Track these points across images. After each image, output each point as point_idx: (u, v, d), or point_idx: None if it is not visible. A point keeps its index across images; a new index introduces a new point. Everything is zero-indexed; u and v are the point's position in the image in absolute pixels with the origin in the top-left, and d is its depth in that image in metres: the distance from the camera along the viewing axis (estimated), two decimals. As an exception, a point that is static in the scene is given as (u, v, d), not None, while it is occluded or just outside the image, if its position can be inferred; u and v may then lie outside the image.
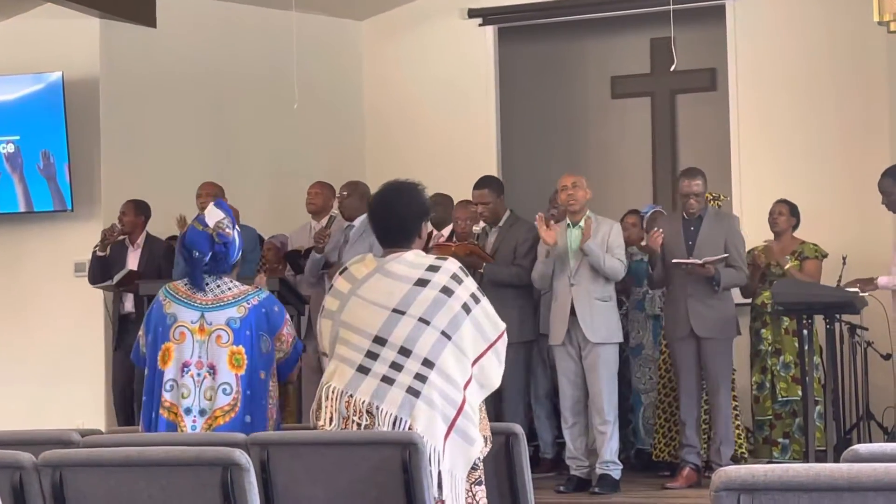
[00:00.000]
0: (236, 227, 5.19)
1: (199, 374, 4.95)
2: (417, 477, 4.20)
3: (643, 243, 8.72)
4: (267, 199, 10.36)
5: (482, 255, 8.18)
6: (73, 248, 9.84)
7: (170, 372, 4.97)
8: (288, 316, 5.20)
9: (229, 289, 5.08)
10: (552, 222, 8.08)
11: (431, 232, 8.96)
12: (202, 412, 4.93)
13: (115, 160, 9.94)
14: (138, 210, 9.33)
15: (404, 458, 4.19)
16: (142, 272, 9.01)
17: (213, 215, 5.13)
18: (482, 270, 8.16)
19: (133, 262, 9.20)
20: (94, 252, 9.22)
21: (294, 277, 8.94)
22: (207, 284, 5.07)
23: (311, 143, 10.95)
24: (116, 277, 9.04)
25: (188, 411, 4.92)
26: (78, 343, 9.77)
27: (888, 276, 8.02)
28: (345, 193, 8.79)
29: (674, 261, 7.95)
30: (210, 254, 5.05)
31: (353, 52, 11.51)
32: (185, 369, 4.95)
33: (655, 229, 8.13)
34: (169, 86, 10.25)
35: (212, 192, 8.95)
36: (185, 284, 5.11)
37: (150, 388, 5.03)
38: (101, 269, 9.21)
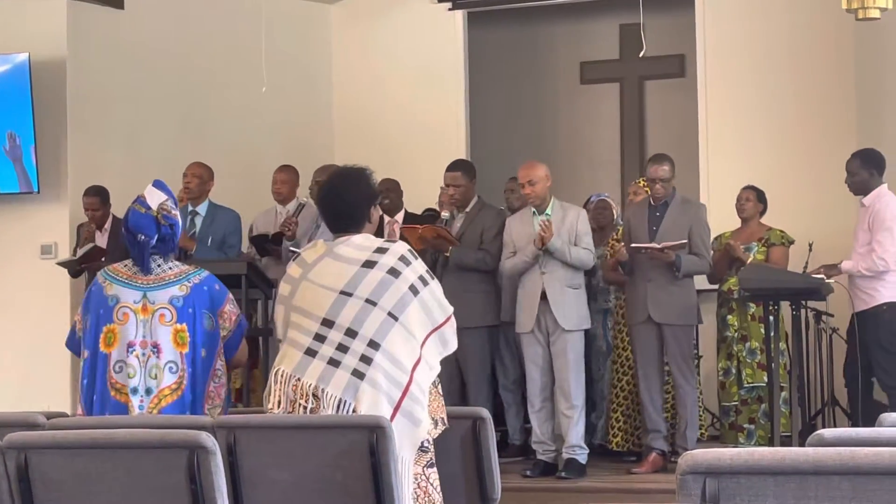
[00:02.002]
0: (178, 206, 5.17)
1: (143, 354, 4.94)
2: (384, 461, 4.20)
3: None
4: (235, 182, 10.30)
5: (449, 239, 8.17)
6: (39, 230, 9.78)
7: (116, 353, 4.95)
8: (230, 295, 5.18)
9: (170, 268, 5.07)
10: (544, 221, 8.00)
11: (383, 217, 8.96)
12: (148, 391, 4.92)
13: (81, 142, 9.89)
14: (103, 198, 9.31)
15: (371, 441, 4.19)
16: (108, 250, 8.96)
17: (154, 197, 5.10)
18: (448, 254, 8.16)
19: (101, 244, 9.18)
20: (76, 252, 9.19)
21: (261, 261, 8.91)
22: (159, 266, 5.05)
23: (280, 126, 10.92)
24: (80, 252, 9.01)
25: (134, 391, 4.91)
26: (43, 325, 9.71)
27: (852, 261, 8.06)
28: (318, 179, 8.76)
29: (632, 245, 7.98)
30: (156, 236, 5.03)
31: (323, 36, 11.48)
32: (130, 349, 4.95)
33: (621, 245, 8.13)
34: (136, 68, 10.19)
35: (198, 173, 8.93)
36: (125, 266, 5.09)
37: (91, 371, 5.00)
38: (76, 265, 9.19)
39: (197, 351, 5.00)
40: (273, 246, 8.87)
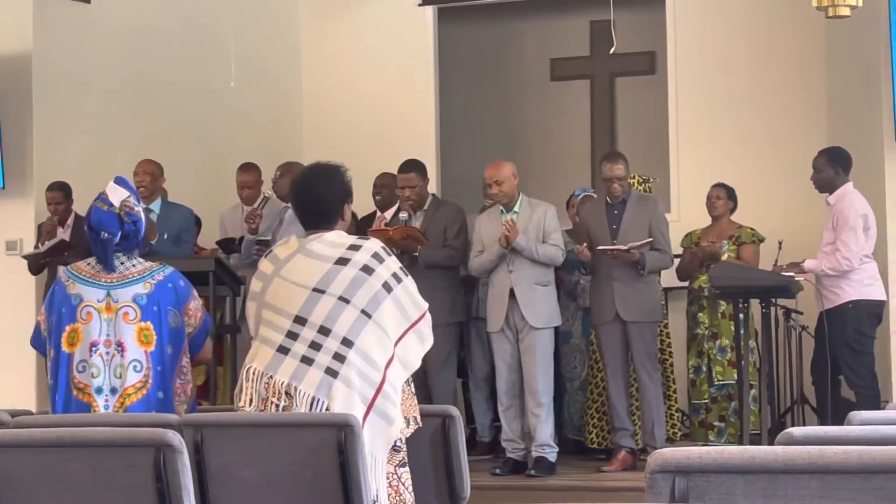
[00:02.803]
0: (141, 202, 5.15)
1: (107, 353, 4.92)
2: (353, 459, 4.20)
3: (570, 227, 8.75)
4: (202, 179, 10.28)
5: (418, 238, 8.17)
6: (4, 226, 9.72)
7: (79, 353, 4.92)
8: (195, 291, 5.16)
9: (133, 265, 5.04)
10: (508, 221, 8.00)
11: (375, 213, 8.95)
12: (113, 391, 4.90)
13: (47, 137, 9.83)
14: (66, 193, 9.26)
15: (339, 439, 4.19)
16: (73, 244, 8.93)
17: (116, 193, 5.07)
18: (417, 254, 8.15)
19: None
20: (36, 247, 9.13)
21: (227, 259, 8.89)
22: (122, 263, 5.02)
23: (248, 121, 10.89)
24: (47, 245, 8.97)
25: (99, 391, 4.89)
26: (7, 323, 9.65)
27: (815, 259, 8.10)
28: (279, 174, 8.75)
29: (599, 248, 7.99)
30: (119, 233, 5.00)
31: (292, 31, 11.46)
32: (94, 348, 4.92)
33: (584, 245, 8.13)
34: (103, 62, 10.14)
35: (149, 171, 8.90)
36: (89, 264, 5.06)
37: (55, 370, 4.98)
38: (39, 262, 9.14)
39: (164, 348, 4.99)
40: (238, 246, 8.85)
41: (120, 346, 4.93)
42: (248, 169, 9.37)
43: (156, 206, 8.87)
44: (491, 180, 8.07)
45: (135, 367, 4.93)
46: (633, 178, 8.74)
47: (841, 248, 7.97)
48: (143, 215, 5.13)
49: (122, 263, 5.03)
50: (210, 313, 7.96)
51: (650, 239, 7.98)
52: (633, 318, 7.97)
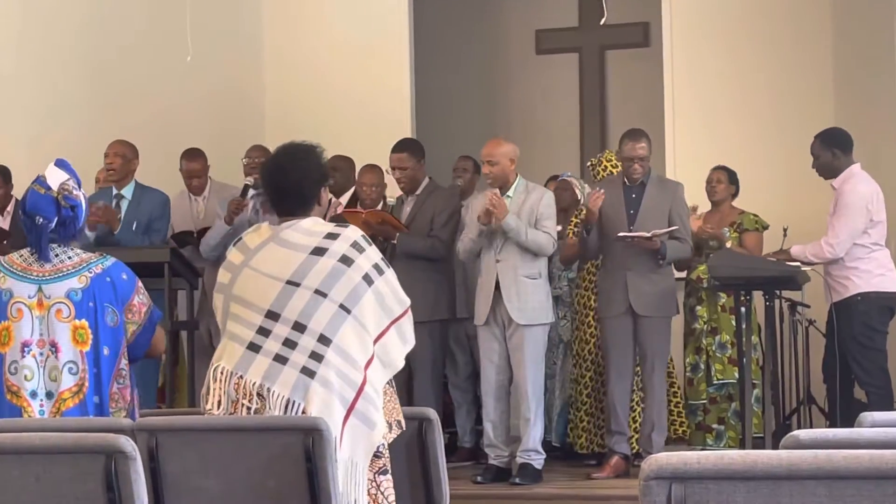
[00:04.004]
0: (82, 188, 5.09)
1: (41, 354, 4.86)
2: (322, 466, 4.20)
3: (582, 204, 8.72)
4: (156, 159, 10.23)
5: (395, 224, 8.17)
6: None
7: (10, 353, 4.88)
8: (140, 284, 5.08)
9: (69, 258, 4.98)
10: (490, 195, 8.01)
11: (331, 199, 8.93)
12: (49, 395, 4.85)
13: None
14: (5, 178, 9.21)
15: (307, 445, 4.18)
16: (11, 233, 8.88)
17: (55, 176, 5.02)
18: (395, 241, 8.15)
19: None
20: None
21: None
22: (57, 255, 4.97)
23: (206, 100, 10.84)
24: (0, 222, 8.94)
25: (34, 395, 4.83)
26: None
27: (801, 245, 8.10)
28: (256, 157, 8.71)
29: (619, 234, 7.95)
30: (56, 219, 4.96)
31: (253, 1, 11.42)
32: (26, 349, 4.86)
33: (597, 189, 8.12)
34: (47, 34, 10.08)
35: (120, 152, 8.86)
36: (21, 256, 5.00)
37: None
38: None
39: (100, 349, 4.92)
40: (199, 241, 8.82)
41: (54, 347, 4.86)
42: (195, 156, 9.31)
43: (127, 191, 8.83)
44: (484, 158, 8.07)
45: (70, 369, 4.86)
46: (609, 159, 8.75)
47: (828, 234, 7.99)
48: (83, 201, 5.06)
49: (56, 255, 4.97)
50: (165, 308, 7.99)
51: (674, 227, 7.96)
52: (646, 311, 7.96)
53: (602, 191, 8.03)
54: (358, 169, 8.95)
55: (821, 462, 2.81)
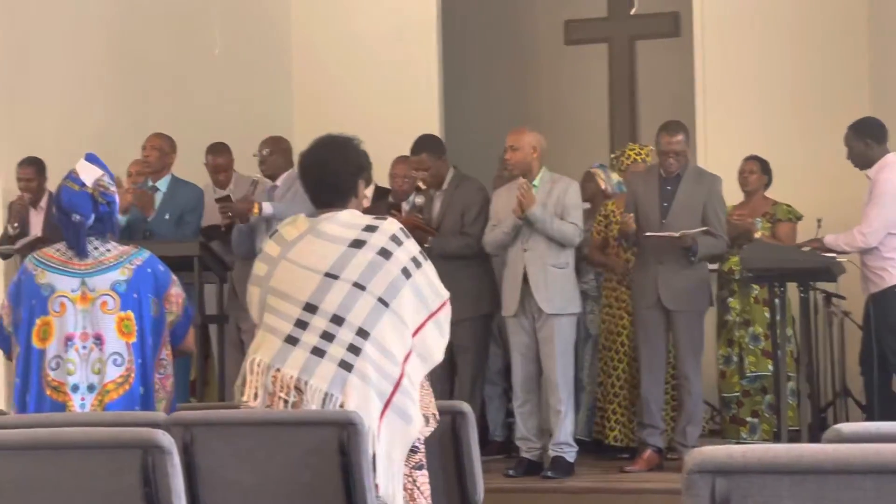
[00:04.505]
0: (114, 181, 5.12)
1: (84, 347, 4.89)
2: (356, 460, 4.20)
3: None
4: (183, 152, 10.25)
5: (426, 229, 8.14)
6: (-37, 208, 9.70)
7: (53, 348, 4.90)
8: (174, 276, 5.13)
9: (108, 250, 5.01)
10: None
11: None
12: (91, 388, 4.88)
13: (12, 111, 9.79)
14: (40, 171, 9.24)
15: (342, 439, 4.19)
16: (46, 237, 8.91)
17: (89, 172, 5.04)
18: (428, 245, 8.14)
19: (37, 225, 9.11)
20: (7, 231, 9.11)
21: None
22: (96, 248, 4.99)
23: (234, 93, 10.86)
24: (20, 243, 8.95)
25: (75, 388, 4.87)
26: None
27: (835, 234, 8.07)
28: (265, 152, 8.71)
29: (647, 234, 7.93)
30: (93, 215, 4.98)
31: (281, -8, 11.44)
32: (69, 343, 4.89)
33: (630, 215, 8.06)
34: (73, 29, 10.09)
35: (157, 145, 8.91)
36: (58, 251, 5.03)
37: (25, 368, 4.94)
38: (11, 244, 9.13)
39: (145, 339, 4.97)
40: (227, 236, 8.83)
41: (98, 339, 4.91)
42: (220, 151, 9.36)
43: (163, 183, 8.89)
44: (507, 144, 8.06)
45: (115, 360, 4.91)
46: (633, 148, 8.72)
47: (862, 222, 7.95)
48: (117, 195, 5.10)
49: (95, 248, 5.00)
50: (195, 301, 8.02)
51: (705, 227, 7.92)
52: (676, 306, 7.94)
53: (631, 215, 8.00)
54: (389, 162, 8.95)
55: (869, 456, 2.80)
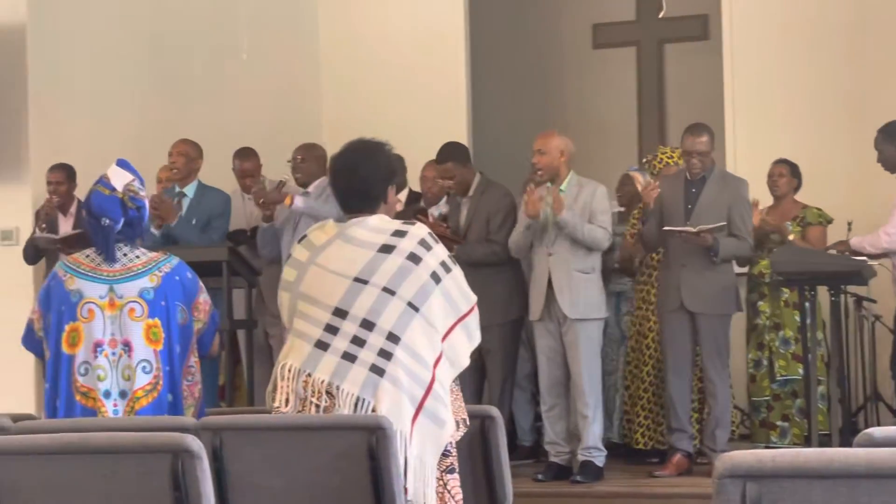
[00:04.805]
0: (144, 186, 5.12)
1: (113, 353, 4.91)
2: (385, 464, 4.21)
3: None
4: (213, 158, 10.27)
5: (452, 238, 8.14)
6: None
7: (81, 354, 4.92)
8: (202, 284, 5.14)
9: (137, 257, 5.03)
10: (532, 188, 8.01)
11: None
12: (122, 394, 4.90)
13: (44, 117, 9.83)
14: (70, 176, 9.28)
15: (371, 443, 4.19)
16: (84, 233, 8.93)
17: (119, 177, 5.06)
18: (455, 253, 8.14)
19: (66, 231, 9.15)
20: (35, 232, 9.14)
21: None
22: (125, 255, 5.00)
23: (262, 98, 10.88)
24: (63, 222, 8.99)
25: (107, 394, 4.89)
26: (4, 320, 9.67)
27: (860, 237, 8.05)
28: (299, 158, 8.73)
29: (665, 228, 7.94)
30: (122, 220, 4.99)
31: (308, -1, 11.46)
32: (98, 349, 4.92)
33: (652, 181, 8.09)
34: (104, 35, 10.14)
35: (184, 151, 8.93)
36: (87, 257, 5.04)
37: (54, 374, 4.98)
38: (37, 249, 9.16)
39: (172, 347, 4.98)
40: (253, 241, 8.85)
41: (127, 346, 4.92)
42: (248, 155, 9.37)
43: (190, 189, 8.91)
44: (535, 147, 8.06)
45: (144, 367, 4.93)
46: (668, 154, 8.72)
47: (887, 224, 7.95)
48: (147, 201, 5.12)
49: (124, 255, 5.01)
50: (223, 307, 8.04)
51: (723, 223, 7.90)
52: (699, 308, 7.92)
53: (657, 183, 8.00)
54: (420, 166, 8.97)
55: (901, 460, 2.79)
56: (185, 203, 8.86)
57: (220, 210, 8.90)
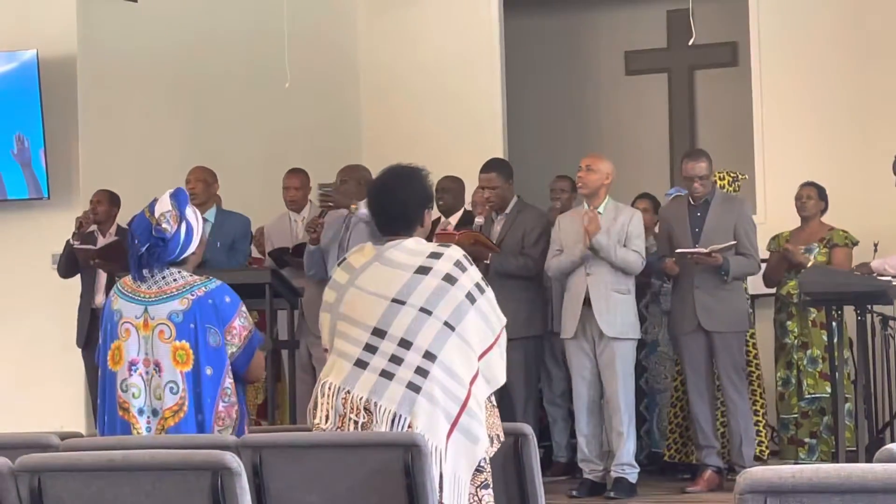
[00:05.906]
0: (186, 220, 5.09)
1: (146, 373, 4.93)
2: (421, 481, 4.20)
3: (655, 230, 8.75)
4: (257, 185, 10.34)
5: (488, 245, 8.17)
6: (50, 239, 9.78)
7: (122, 371, 4.96)
8: (244, 308, 5.09)
9: (174, 280, 5.03)
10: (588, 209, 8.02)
11: (439, 219, 8.96)
12: (154, 412, 4.92)
13: (93, 144, 9.93)
14: (112, 201, 9.34)
15: (406, 460, 4.20)
16: (122, 243, 8.97)
17: (162, 204, 5.09)
18: (488, 261, 8.16)
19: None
20: (69, 242, 9.20)
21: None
22: (153, 276, 5.03)
23: (305, 124, 10.95)
24: (102, 243, 9.05)
25: (141, 412, 4.92)
26: (54, 339, 9.74)
27: (881, 259, 8.03)
28: (341, 181, 8.76)
29: (677, 251, 7.97)
30: (147, 245, 5.03)
31: (349, 27, 11.51)
32: (133, 368, 4.94)
33: (672, 259, 8.08)
34: (151, 64, 10.23)
35: (201, 177, 8.95)
36: (132, 278, 5.08)
37: (102, 390, 5.01)
38: (72, 262, 9.21)
39: (201, 369, 4.96)
40: (294, 258, 8.87)
41: (158, 367, 4.93)
42: (296, 173, 9.40)
43: (210, 214, 8.91)
44: (583, 163, 8.08)
45: (171, 388, 4.93)
46: (722, 176, 8.71)
47: None
48: (181, 233, 5.06)
49: (163, 277, 5.03)
50: (267, 327, 8.07)
51: (733, 242, 7.95)
52: (716, 327, 7.95)
53: (674, 260, 8.00)
54: (468, 189, 8.99)
55: (917, 476, 2.78)
56: (207, 228, 8.85)
57: (242, 231, 8.97)
